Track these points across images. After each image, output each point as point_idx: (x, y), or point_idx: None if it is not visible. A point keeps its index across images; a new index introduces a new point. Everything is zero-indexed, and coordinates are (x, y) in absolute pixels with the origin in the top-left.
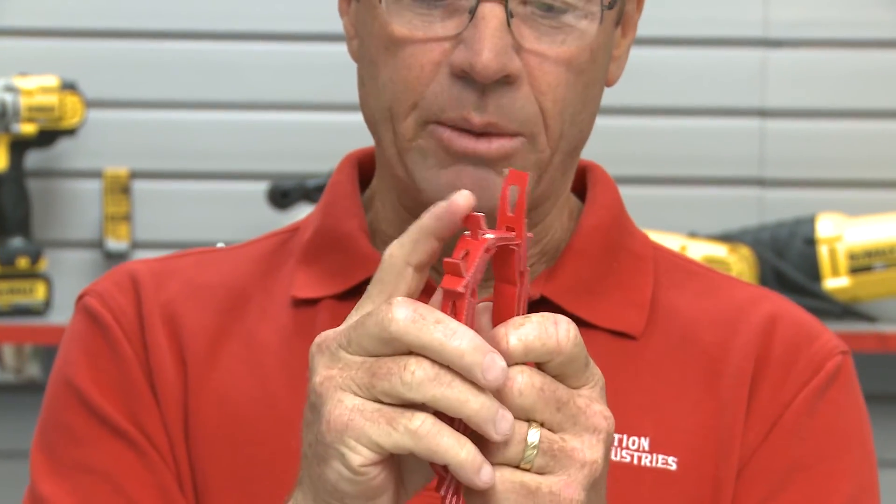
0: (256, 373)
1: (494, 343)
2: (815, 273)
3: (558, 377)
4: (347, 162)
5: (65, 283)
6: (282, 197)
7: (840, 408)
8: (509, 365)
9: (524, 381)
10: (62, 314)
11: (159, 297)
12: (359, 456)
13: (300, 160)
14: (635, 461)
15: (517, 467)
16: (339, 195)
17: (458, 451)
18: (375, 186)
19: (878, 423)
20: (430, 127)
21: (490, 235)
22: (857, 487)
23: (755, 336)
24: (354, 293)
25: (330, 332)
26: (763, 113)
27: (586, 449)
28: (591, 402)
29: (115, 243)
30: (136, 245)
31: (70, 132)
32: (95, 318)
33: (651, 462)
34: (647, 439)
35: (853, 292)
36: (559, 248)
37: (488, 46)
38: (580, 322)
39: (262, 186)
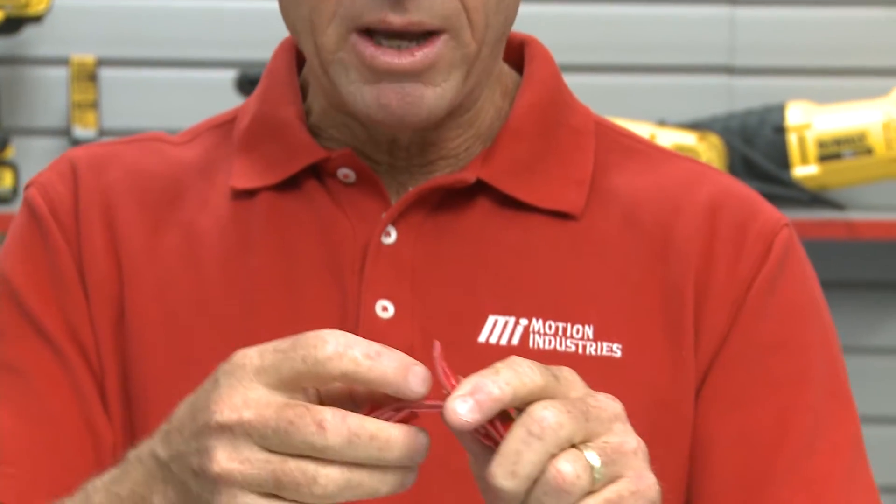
0: (193, 266)
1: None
2: (784, 161)
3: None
4: (283, 47)
5: (32, 171)
6: (250, 85)
7: (799, 279)
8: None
9: (552, 413)
10: None
11: (98, 183)
12: None
13: (269, 48)
14: (580, 350)
15: (591, 493)
16: (275, 82)
17: None
18: (308, 79)
19: (845, 309)
20: (352, 39)
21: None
22: (829, 356)
23: (699, 217)
24: (291, 184)
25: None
26: (732, 0)
27: (627, 437)
28: (591, 393)
29: (82, 131)
30: (103, 133)
31: (36, 19)
32: (33, 210)
33: (596, 350)
34: (592, 327)
35: (822, 180)
36: (493, 128)
37: None
38: (519, 204)
39: (230, 74)
